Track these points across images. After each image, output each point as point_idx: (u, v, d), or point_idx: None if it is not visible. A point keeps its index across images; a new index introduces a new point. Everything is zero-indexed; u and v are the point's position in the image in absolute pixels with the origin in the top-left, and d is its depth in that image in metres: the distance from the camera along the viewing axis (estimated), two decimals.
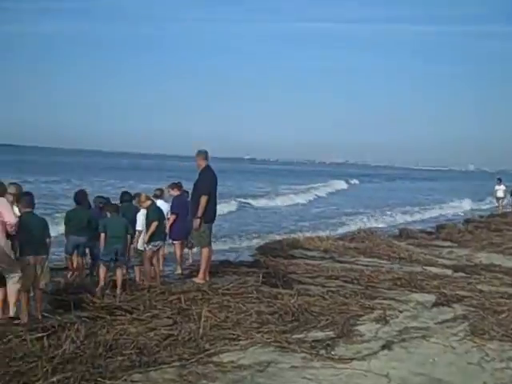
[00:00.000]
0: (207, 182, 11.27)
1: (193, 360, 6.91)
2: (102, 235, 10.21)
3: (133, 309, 8.67)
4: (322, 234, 18.85)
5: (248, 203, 32.81)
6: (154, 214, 10.99)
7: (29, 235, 8.29)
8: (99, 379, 6.14)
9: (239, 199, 33.03)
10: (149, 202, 11.17)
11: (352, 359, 7.09)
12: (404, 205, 35.06)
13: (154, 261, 11.18)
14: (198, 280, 11.14)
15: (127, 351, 7.02)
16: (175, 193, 12.84)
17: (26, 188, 10.24)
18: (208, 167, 11.47)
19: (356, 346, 7.67)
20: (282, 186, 52.57)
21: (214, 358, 7.04)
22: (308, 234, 18.39)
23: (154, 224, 10.83)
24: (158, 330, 7.80)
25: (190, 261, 13.71)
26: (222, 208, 27.59)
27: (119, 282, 9.93)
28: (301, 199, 38.76)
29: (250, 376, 6.56)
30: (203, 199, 11.06)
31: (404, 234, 19.95)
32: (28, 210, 8.55)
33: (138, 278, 10.91)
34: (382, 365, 6.93)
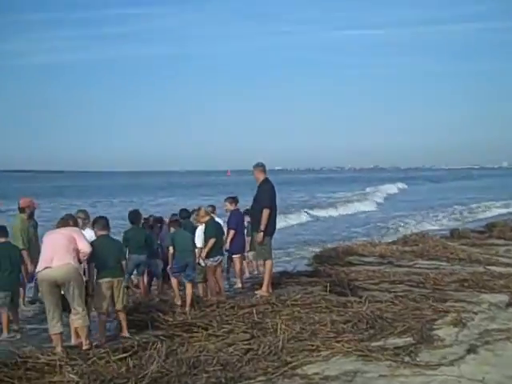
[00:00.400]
0: (268, 194, 11.20)
1: (277, 374, 6.84)
2: (171, 249, 10.24)
3: (206, 325, 8.63)
4: (375, 239, 18.62)
5: (313, 215, 32.82)
6: (212, 230, 10.94)
7: (105, 258, 8.41)
8: None
9: (305, 210, 33.29)
10: (207, 218, 11.16)
11: (440, 365, 6.93)
12: (452, 205, 34.99)
13: (217, 276, 11.15)
14: (262, 293, 11.08)
15: (210, 368, 6.98)
16: (232, 207, 12.79)
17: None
18: (267, 180, 11.40)
19: (439, 351, 7.50)
20: (331, 195, 52.88)
21: (298, 371, 6.97)
22: (360, 241, 18.19)
23: (212, 241, 10.78)
24: (237, 345, 7.74)
25: (247, 274, 13.69)
26: (290, 220, 28.26)
27: (189, 299, 9.92)
28: (364, 207, 39.03)
29: None
30: (265, 212, 10.99)
31: (455, 234, 19.65)
32: (104, 232, 8.68)
33: (201, 294, 10.90)
34: (473, 369, 6.75)
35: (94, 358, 7.10)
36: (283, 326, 8.34)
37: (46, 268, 7.82)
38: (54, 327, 7.85)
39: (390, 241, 18.21)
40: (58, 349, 7.68)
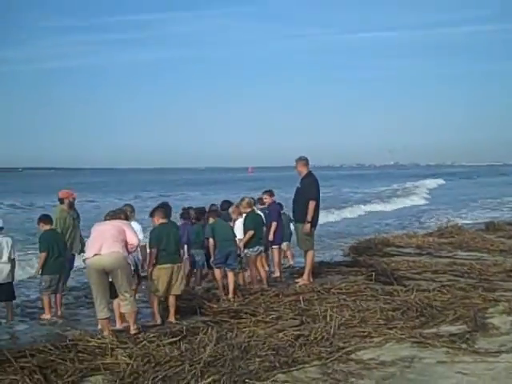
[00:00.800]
0: (313, 187, 11.19)
1: (332, 358, 6.67)
2: (211, 240, 10.13)
3: (253, 311, 8.49)
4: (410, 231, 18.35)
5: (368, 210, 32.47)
6: (250, 222, 10.77)
7: (165, 244, 8.47)
8: (247, 380, 5.96)
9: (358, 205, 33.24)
10: (249, 209, 11.02)
11: (500, 352, 6.72)
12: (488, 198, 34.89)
13: (258, 265, 11.01)
14: (303, 281, 10.94)
15: (262, 352, 6.83)
16: (270, 200, 12.65)
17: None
18: (310, 173, 11.36)
19: (496, 338, 7.29)
20: (368, 191, 52.83)
21: (353, 356, 6.80)
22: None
23: (250, 233, 10.59)
24: (287, 331, 7.57)
25: (291, 262, 13.59)
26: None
27: (231, 287, 9.79)
28: (410, 201, 38.36)
29: (398, 372, 6.28)
30: (312, 204, 10.95)
31: (491, 227, 19.26)
32: (164, 220, 8.78)
33: (242, 283, 10.76)
34: None
35: (145, 342, 7.00)
36: (332, 313, 8.17)
37: (95, 255, 7.81)
38: (102, 312, 7.82)
39: (425, 233, 17.87)
40: (106, 333, 7.60)
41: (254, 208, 11.26)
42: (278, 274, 12.34)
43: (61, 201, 11.31)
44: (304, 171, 11.34)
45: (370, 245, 14.88)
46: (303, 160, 11.40)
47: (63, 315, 9.61)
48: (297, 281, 11.24)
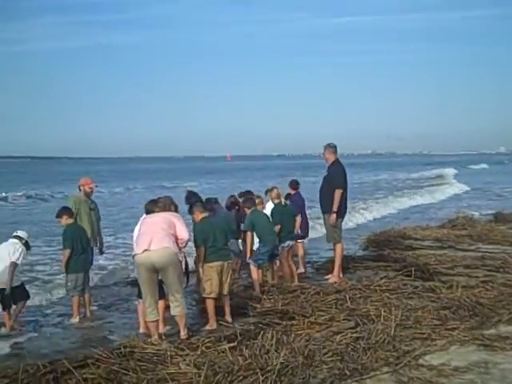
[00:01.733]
0: (340, 175, 10.79)
1: (401, 364, 6.39)
2: (249, 234, 9.78)
3: (300, 312, 8.17)
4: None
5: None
6: (278, 215, 10.42)
7: (212, 241, 8.01)
8: None
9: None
10: (277, 201, 10.69)
11: None
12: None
13: (289, 260, 10.70)
14: (334, 278, 10.66)
15: (327, 358, 6.52)
16: (293, 191, 12.31)
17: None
18: (338, 161, 10.98)
19: None
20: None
21: (421, 361, 6.52)
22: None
23: (277, 227, 10.26)
24: (345, 334, 7.27)
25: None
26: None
27: (272, 283, 9.46)
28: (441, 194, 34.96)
29: (479, 380, 6.02)
30: (338, 193, 10.57)
31: (500, 217, 19.09)
32: (205, 214, 8.27)
33: (270, 279, 10.43)
34: None
35: (203, 348, 6.65)
36: (384, 313, 7.89)
37: (145, 251, 7.31)
38: (151, 314, 7.39)
39: (438, 225, 17.65)
40: (155, 338, 7.22)
41: (282, 199, 10.91)
42: (302, 269, 12.04)
43: (80, 188, 10.91)
44: (331, 159, 10.94)
45: (388, 238, 14.61)
46: (331, 147, 11.00)
47: (93, 317, 9.23)
48: (326, 277, 10.95)
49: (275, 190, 10.79)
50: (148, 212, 7.91)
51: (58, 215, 9.36)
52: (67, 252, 9.06)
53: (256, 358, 6.32)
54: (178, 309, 7.51)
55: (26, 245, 8.82)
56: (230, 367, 6.03)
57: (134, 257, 7.56)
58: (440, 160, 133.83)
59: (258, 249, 9.85)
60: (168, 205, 7.91)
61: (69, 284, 9.18)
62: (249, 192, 11.85)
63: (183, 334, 7.41)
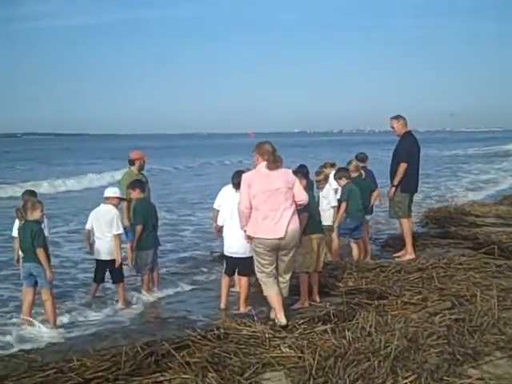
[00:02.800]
0: (407, 148, 10.34)
1: None
2: (343, 205, 9.44)
3: (388, 291, 7.78)
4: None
5: None
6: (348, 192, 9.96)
7: (312, 211, 7.57)
8: (445, 378, 5.24)
9: None
10: (356, 174, 10.26)
11: None
12: None
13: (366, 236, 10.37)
14: (408, 256, 10.20)
15: (432, 341, 6.10)
16: (362, 164, 11.84)
17: None
18: (409, 133, 10.50)
19: None
20: None
21: None
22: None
23: (343, 205, 9.78)
24: (443, 315, 6.84)
25: None
26: None
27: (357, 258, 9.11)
28: None
29: None
30: (401, 167, 10.17)
31: None
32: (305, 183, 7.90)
33: (356, 255, 9.97)
34: None
35: (300, 330, 6.28)
36: (479, 293, 7.45)
37: (267, 229, 6.67)
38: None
39: (493, 201, 17.11)
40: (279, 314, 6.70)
41: (362, 172, 10.50)
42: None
43: (131, 162, 10.57)
44: (402, 131, 10.44)
45: (449, 214, 14.09)
46: (402, 119, 10.47)
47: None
48: (396, 255, 10.53)
49: (354, 163, 10.40)
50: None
51: (132, 187, 9.00)
52: (139, 228, 8.74)
53: (359, 341, 5.94)
54: (284, 290, 7.06)
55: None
56: (336, 351, 5.65)
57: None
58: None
59: (345, 221, 9.49)
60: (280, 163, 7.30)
61: (138, 262, 8.86)
62: (304, 166, 11.50)
63: (280, 315, 6.72)
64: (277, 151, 6.98)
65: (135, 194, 8.93)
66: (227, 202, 7.93)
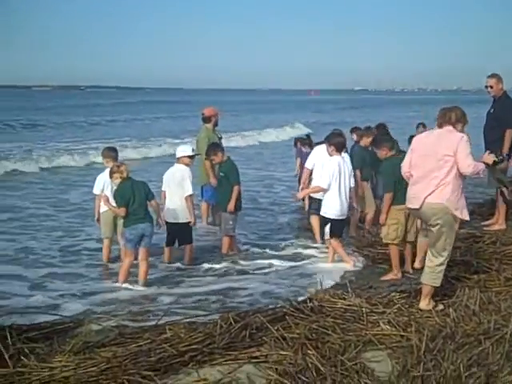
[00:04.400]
0: (510, 111, 9.34)
1: None
2: None
3: (483, 264, 7.26)
4: None
5: None
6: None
7: (399, 182, 7.02)
8: None
9: None
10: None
11: None
12: None
13: None
14: (498, 226, 9.55)
15: None
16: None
17: None
18: (506, 94, 9.56)
19: None
20: None
21: None
22: None
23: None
24: None
25: None
26: None
27: None
28: None
29: None
30: (509, 133, 9.24)
31: None
32: (392, 153, 7.55)
33: None
34: None
35: (398, 305, 5.88)
36: None
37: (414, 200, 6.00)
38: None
39: None
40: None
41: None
42: None
43: (206, 119, 10.30)
44: (500, 92, 9.50)
45: None
46: (500, 78, 9.51)
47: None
48: (486, 223, 9.87)
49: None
50: None
51: (214, 152, 8.72)
52: (238, 189, 8.56)
53: (464, 321, 5.50)
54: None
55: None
56: (442, 331, 5.24)
57: None
58: None
59: None
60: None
61: (230, 223, 8.61)
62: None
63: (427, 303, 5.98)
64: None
65: (218, 158, 8.62)
66: (329, 165, 7.77)
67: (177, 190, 8.15)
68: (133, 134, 31.01)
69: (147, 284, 7.21)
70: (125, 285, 7.14)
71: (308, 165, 9.14)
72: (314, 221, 9.13)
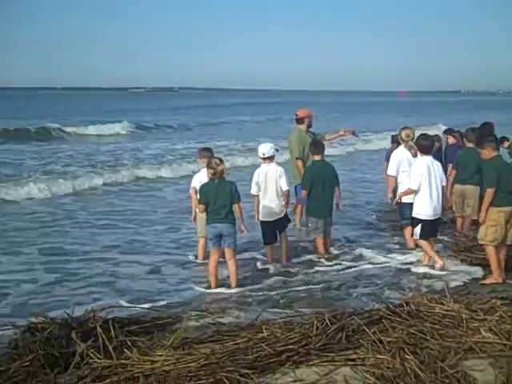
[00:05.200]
0: None
1: None
2: None
3: None
4: None
5: None
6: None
7: (505, 185, 6.97)
8: None
9: None
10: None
11: None
12: None
13: None
14: None
15: None
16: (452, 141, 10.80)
17: None
18: None
19: None
20: None
21: None
22: None
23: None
24: None
25: None
26: None
27: None
28: None
29: None
30: None
31: None
32: (495, 153, 7.27)
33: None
34: None
35: (500, 312, 5.64)
36: None
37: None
38: None
39: None
40: None
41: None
42: None
43: (299, 120, 10.31)
44: None
45: None
46: None
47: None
48: None
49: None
50: None
51: (316, 151, 8.79)
52: (305, 193, 8.64)
53: None
54: None
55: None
56: None
57: None
58: None
59: None
60: None
61: (309, 225, 8.63)
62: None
63: None
64: None
65: (318, 158, 8.64)
66: (417, 166, 7.69)
67: (274, 187, 8.19)
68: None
69: (239, 284, 7.31)
70: (216, 288, 7.27)
71: (391, 171, 8.78)
72: (407, 232, 8.79)
